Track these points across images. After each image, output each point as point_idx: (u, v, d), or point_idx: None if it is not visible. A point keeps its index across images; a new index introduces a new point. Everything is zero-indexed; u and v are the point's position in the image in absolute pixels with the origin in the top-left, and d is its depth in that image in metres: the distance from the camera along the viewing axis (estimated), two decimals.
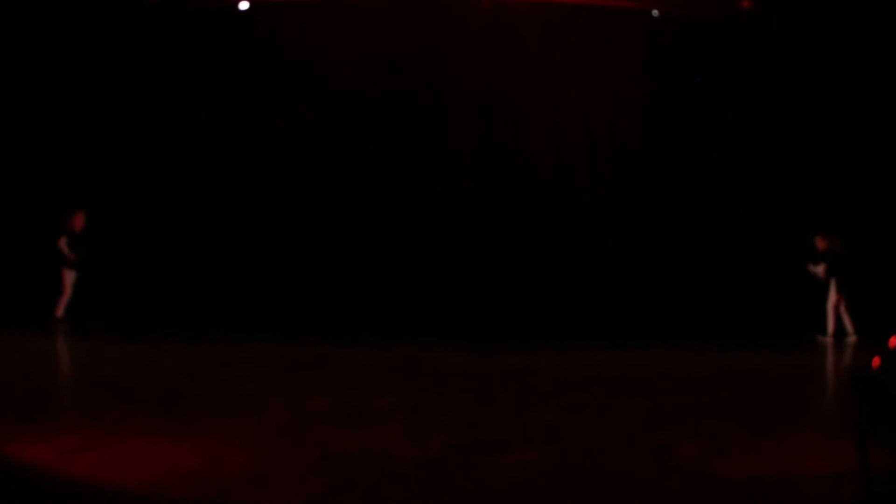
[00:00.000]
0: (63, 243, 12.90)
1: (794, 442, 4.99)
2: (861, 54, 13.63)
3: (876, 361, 3.68)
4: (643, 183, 14.21)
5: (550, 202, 14.37)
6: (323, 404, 6.84)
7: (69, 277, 12.95)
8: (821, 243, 12.99)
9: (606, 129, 14.47)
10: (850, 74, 13.69)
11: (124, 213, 14.61)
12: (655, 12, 14.20)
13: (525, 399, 7.16)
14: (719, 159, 14.05)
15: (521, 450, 4.93)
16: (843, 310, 12.79)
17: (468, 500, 3.91)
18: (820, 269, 12.87)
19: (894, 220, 13.43)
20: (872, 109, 13.67)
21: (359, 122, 14.56)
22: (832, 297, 12.82)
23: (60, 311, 12.77)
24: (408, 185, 14.41)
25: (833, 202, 13.58)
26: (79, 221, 13.21)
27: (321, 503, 3.79)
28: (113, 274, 14.47)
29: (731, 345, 11.83)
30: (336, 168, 14.44)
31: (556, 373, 9.15)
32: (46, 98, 14.35)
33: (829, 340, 12.56)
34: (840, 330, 12.72)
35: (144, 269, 14.49)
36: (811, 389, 7.38)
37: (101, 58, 14.41)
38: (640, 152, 14.35)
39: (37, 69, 14.50)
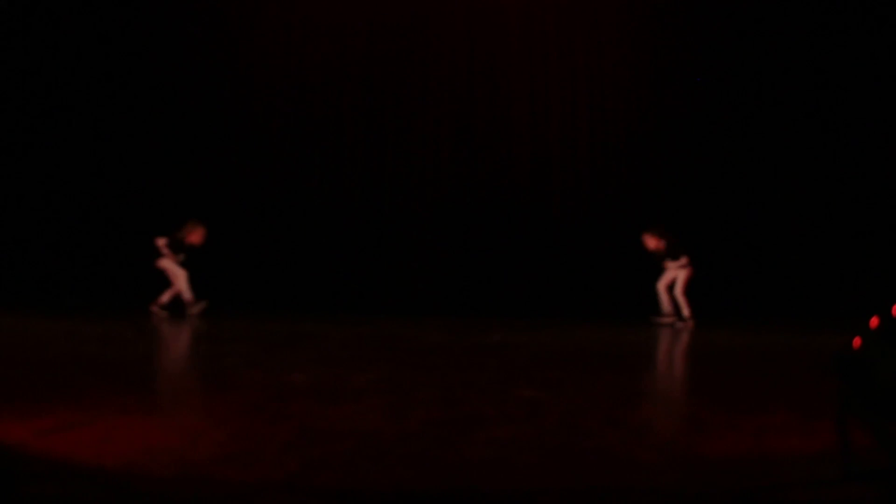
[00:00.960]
0: (163, 242, 12.53)
1: (774, 420, 5.01)
2: (857, 31, 13.59)
3: (857, 342, 3.69)
4: (623, 162, 14.21)
5: (529, 180, 14.36)
6: (301, 381, 6.83)
7: (172, 268, 12.56)
8: (651, 242, 12.63)
9: (587, 105, 14.45)
10: (846, 53, 13.65)
11: (105, 193, 14.56)
12: None
13: (504, 376, 7.16)
14: (703, 138, 14.04)
15: (499, 426, 4.93)
16: (663, 290, 12.49)
17: (446, 476, 3.92)
18: (679, 264, 12.50)
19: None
20: (867, 85, 13.59)
21: (337, 99, 14.54)
22: (668, 278, 12.53)
23: (165, 298, 12.40)
24: (386, 161, 14.39)
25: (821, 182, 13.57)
26: (197, 236, 12.71)
27: (299, 480, 3.78)
28: (93, 252, 14.43)
29: (710, 324, 11.88)
30: (313, 146, 14.40)
31: (535, 350, 9.16)
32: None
33: (686, 323, 12.13)
34: (659, 310, 12.45)
35: (124, 247, 14.44)
36: (789, 368, 7.42)
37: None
38: (622, 131, 14.34)
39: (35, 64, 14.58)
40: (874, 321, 3.78)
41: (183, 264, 12.68)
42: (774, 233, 13.54)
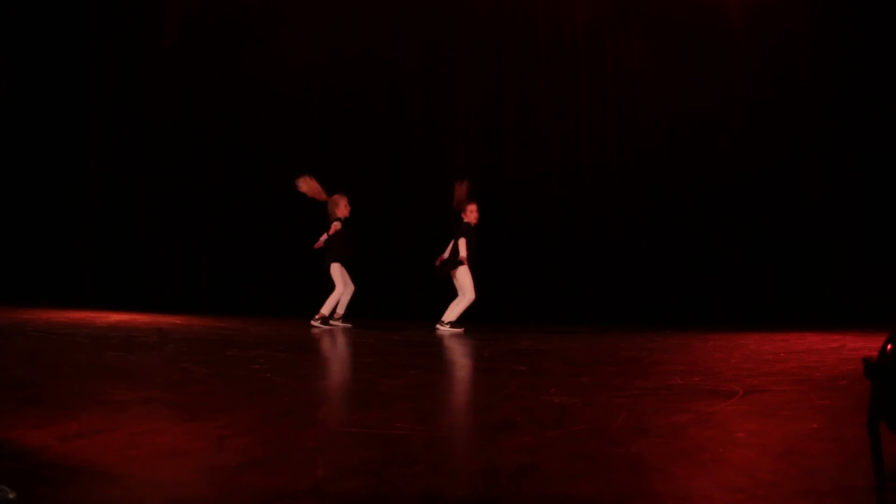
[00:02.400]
0: (337, 236, 12.22)
1: (805, 426, 4.92)
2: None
3: (889, 347, 3.61)
4: (653, 169, 14.16)
5: (558, 186, 14.37)
6: (330, 387, 6.80)
7: (337, 272, 12.29)
8: (462, 192, 12.23)
9: (616, 111, 14.43)
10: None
11: (135, 199, 14.67)
12: None
13: (534, 381, 7.10)
14: (734, 147, 13.97)
15: (529, 432, 4.87)
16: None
17: (475, 483, 3.86)
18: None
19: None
20: None
21: (363, 108, 14.63)
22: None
23: (326, 309, 12.20)
24: (418, 170, 14.44)
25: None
26: (342, 208, 12.37)
27: (326, 486, 3.74)
28: (121, 254, 14.50)
29: (739, 328, 11.79)
30: (339, 156, 14.49)
31: (566, 355, 9.10)
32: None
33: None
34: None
35: (152, 251, 14.51)
36: (822, 372, 7.30)
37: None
38: (652, 139, 14.31)
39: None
40: None
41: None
42: (810, 236, 13.42)
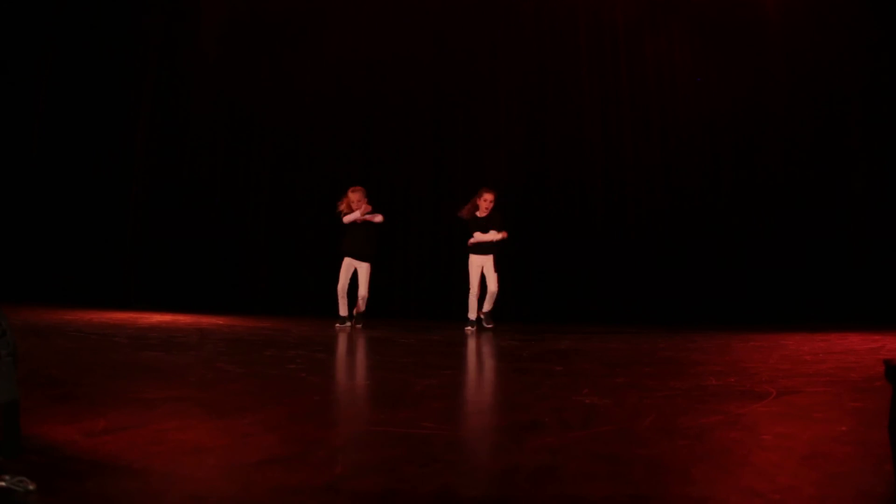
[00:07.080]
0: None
1: (834, 429, 4.87)
2: None
3: None
4: (697, 166, 14.05)
5: (600, 188, 14.32)
6: (361, 387, 6.83)
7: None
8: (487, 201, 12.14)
9: (658, 114, 14.35)
10: None
11: (181, 201, 14.83)
12: None
13: (568, 382, 7.08)
14: (776, 144, 13.83)
15: (554, 433, 4.86)
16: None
17: (492, 482, 3.86)
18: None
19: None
20: None
21: (404, 108, 14.67)
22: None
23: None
24: (456, 169, 14.44)
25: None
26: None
27: (344, 483, 3.76)
28: (166, 256, 14.65)
29: (782, 329, 11.69)
30: (382, 157, 14.52)
31: (604, 355, 9.07)
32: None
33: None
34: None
35: (196, 253, 14.64)
36: (859, 374, 7.21)
37: None
38: (695, 137, 14.20)
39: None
40: None
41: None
42: (855, 235, 13.27)
